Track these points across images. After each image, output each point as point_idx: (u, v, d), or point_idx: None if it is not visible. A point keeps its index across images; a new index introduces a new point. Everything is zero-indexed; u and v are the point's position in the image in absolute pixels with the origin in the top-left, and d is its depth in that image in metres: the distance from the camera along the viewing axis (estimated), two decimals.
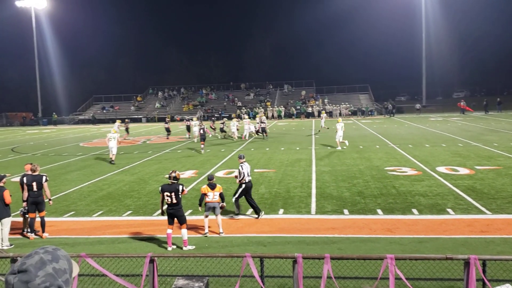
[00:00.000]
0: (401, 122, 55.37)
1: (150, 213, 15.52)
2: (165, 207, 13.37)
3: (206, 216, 12.97)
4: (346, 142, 31.63)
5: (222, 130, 43.16)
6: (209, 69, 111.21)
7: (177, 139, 42.76)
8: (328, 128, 46.42)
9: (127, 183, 21.41)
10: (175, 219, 12.15)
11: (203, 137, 32.00)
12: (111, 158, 28.29)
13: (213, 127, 46.84)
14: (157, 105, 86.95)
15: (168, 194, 12.15)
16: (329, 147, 31.04)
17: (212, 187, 12.97)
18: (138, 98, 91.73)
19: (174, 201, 12.10)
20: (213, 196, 12.88)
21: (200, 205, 13.19)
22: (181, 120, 75.24)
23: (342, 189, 18.19)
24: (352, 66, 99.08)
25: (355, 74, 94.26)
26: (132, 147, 37.01)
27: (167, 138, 43.53)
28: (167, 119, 48.54)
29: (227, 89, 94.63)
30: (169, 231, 12.04)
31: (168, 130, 44.74)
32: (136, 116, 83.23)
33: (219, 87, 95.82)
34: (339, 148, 30.54)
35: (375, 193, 17.33)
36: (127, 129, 46.35)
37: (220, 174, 22.53)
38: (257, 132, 41.48)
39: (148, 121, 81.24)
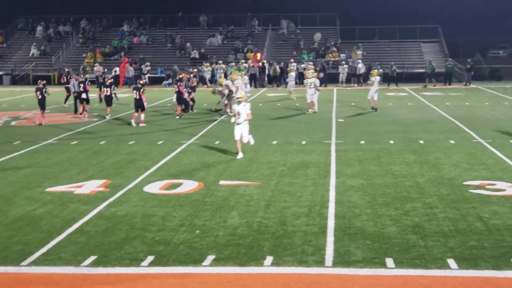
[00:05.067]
0: (497, 96, 36.11)
1: (17, 261, 9.40)
2: None
3: None
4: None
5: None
6: None
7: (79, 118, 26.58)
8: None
9: None
10: None
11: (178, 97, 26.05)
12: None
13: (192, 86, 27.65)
14: (33, 51, 53.43)
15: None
16: (362, 142, 19.61)
17: None
18: None
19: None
20: None
21: None
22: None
23: (384, 221, 11.45)
24: None
25: (413, 5, 58.55)
26: None
27: (80, 115, 25.98)
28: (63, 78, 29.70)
29: (171, 25, 56.21)
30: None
31: (41, 102, 24.20)
32: None
33: (155, 22, 56.61)
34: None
35: (445, 229, 11.13)
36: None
37: (154, 188, 13.79)
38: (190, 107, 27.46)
39: (14, 81, 50.56)
